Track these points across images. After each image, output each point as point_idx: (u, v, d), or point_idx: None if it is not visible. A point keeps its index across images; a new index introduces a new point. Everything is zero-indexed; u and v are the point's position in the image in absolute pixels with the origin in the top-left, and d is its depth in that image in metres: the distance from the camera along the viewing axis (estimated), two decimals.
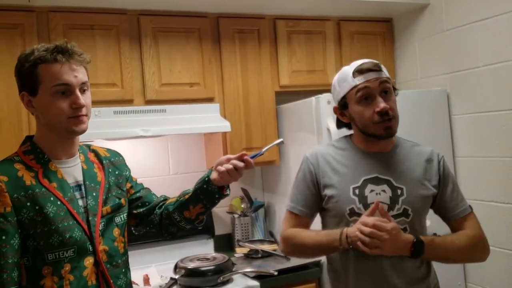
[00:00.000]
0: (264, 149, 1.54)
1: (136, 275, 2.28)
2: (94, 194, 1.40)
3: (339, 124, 1.68)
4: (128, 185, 1.56)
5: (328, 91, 2.45)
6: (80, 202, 1.37)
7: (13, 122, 2.16)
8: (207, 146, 2.85)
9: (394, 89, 1.58)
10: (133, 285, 2.21)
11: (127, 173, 1.56)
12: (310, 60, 2.79)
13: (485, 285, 2.50)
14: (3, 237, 1.24)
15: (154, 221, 1.57)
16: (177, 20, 2.49)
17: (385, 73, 1.55)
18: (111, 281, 1.38)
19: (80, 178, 1.40)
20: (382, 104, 1.49)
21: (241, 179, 3.11)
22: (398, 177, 1.54)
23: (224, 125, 2.46)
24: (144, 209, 1.56)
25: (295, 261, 2.43)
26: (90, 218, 1.36)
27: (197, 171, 2.85)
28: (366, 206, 1.51)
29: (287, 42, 2.74)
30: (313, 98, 2.43)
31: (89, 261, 1.34)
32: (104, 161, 1.49)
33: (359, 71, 1.52)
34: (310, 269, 2.39)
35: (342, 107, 1.59)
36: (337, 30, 2.87)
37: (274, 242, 2.66)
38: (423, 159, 1.58)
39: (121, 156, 1.58)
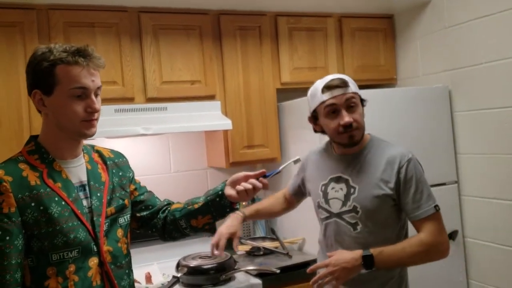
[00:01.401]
0: (281, 167, 1.64)
1: (138, 273, 2.27)
2: (98, 194, 1.40)
3: (316, 131, 1.83)
4: (132, 187, 1.55)
5: None
6: (85, 202, 1.36)
7: (13, 121, 2.15)
8: (208, 144, 2.85)
9: (362, 100, 1.73)
10: (135, 283, 2.22)
11: (130, 174, 1.56)
12: (311, 57, 2.78)
13: (486, 281, 2.50)
14: (7, 238, 1.23)
15: (157, 225, 1.57)
16: (177, 17, 2.48)
17: (352, 88, 1.69)
18: (115, 281, 1.38)
19: (84, 178, 1.39)
20: (346, 118, 1.65)
21: None
22: (355, 177, 1.71)
23: (226, 123, 2.46)
24: (147, 212, 1.57)
25: (297, 259, 2.43)
26: (94, 219, 1.36)
27: (198, 169, 2.85)
28: (326, 200, 1.76)
29: (288, 39, 2.72)
30: None
31: (93, 261, 1.34)
32: (108, 162, 1.49)
33: (327, 87, 1.68)
34: None
35: (313, 118, 1.77)
36: (338, 26, 2.86)
37: (275, 239, 2.65)
38: (384, 161, 1.68)
39: (124, 157, 1.58)
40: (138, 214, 1.55)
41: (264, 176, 1.49)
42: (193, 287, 2.17)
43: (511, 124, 2.32)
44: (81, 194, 1.37)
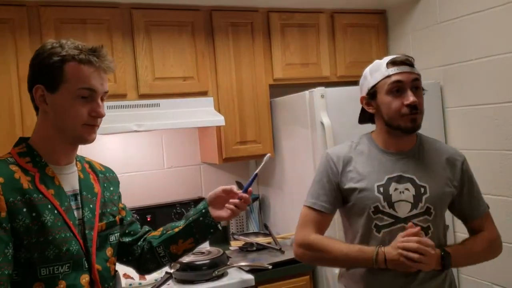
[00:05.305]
0: (257, 170, 1.49)
1: (131, 269, 2.29)
2: (91, 206, 1.29)
3: (363, 118, 1.67)
4: (121, 205, 1.45)
5: (322, 84, 2.48)
6: (76, 214, 1.25)
7: (4, 118, 2.14)
8: (201, 139, 2.85)
9: (422, 88, 1.59)
10: (129, 279, 2.23)
11: (119, 191, 1.46)
12: (303, 53, 2.78)
13: (477, 276, 2.52)
14: None
15: (135, 253, 1.45)
16: (169, 13, 2.48)
17: (417, 70, 1.57)
18: None
19: (77, 186, 1.29)
20: (412, 98, 1.49)
21: (236, 172, 3.12)
22: (421, 175, 1.54)
23: (218, 119, 2.46)
24: (130, 239, 1.45)
25: (289, 254, 2.44)
26: (86, 232, 1.25)
27: (191, 164, 2.86)
28: (390, 204, 1.51)
29: (280, 35, 2.73)
30: (306, 92, 2.43)
31: (85, 279, 1.22)
32: (99, 175, 1.39)
33: (392, 63, 1.54)
34: None
35: (370, 96, 1.58)
36: (330, 22, 2.86)
37: (268, 234, 2.67)
38: (444, 157, 1.59)
39: (114, 173, 1.48)
40: (120, 239, 1.41)
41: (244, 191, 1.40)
42: (186, 283, 2.18)
43: (502, 120, 2.33)
44: (73, 204, 1.26)
